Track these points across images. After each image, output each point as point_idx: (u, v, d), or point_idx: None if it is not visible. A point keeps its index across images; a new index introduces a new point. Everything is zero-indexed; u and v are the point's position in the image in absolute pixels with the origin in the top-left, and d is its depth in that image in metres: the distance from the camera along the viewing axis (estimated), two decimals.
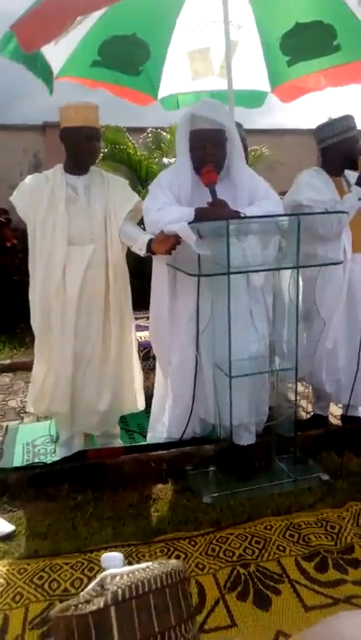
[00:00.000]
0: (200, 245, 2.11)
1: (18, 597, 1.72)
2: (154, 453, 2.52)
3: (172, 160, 5.32)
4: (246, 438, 2.48)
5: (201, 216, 2.20)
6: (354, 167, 2.73)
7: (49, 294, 2.45)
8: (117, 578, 0.85)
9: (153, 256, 2.38)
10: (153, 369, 2.92)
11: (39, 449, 2.89)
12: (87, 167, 2.52)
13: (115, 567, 0.93)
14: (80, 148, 2.43)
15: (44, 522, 2.14)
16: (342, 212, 2.54)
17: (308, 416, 3.05)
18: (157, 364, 2.70)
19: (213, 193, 2.26)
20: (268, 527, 2.04)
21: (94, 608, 0.82)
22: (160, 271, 2.44)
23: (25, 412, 3.32)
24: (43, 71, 2.78)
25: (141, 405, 2.73)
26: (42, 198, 2.43)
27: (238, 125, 2.66)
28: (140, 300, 2.75)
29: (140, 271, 2.95)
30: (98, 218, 2.47)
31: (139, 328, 2.88)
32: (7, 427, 3.19)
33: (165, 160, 5.76)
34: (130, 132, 6.16)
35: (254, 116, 3.63)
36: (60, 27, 2.11)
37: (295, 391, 2.50)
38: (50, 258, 2.43)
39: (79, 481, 2.37)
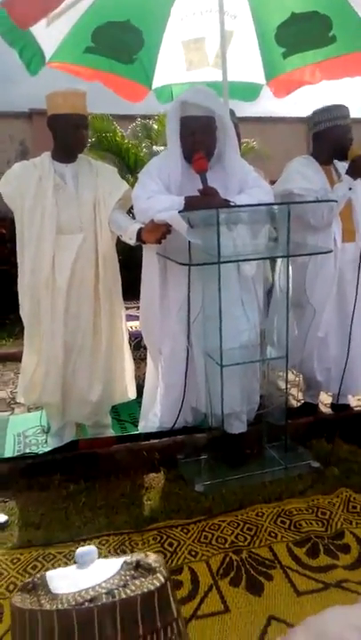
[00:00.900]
0: (191, 234, 2.10)
1: (12, 587, 1.73)
2: (146, 443, 2.52)
3: (161, 148, 5.28)
4: (237, 427, 2.49)
5: (191, 205, 2.19)
6: (344, 157, 2.73)
7: (38, 284, 2.43)
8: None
9: (143, 245, 2.37)
10: (144, 359, 2.92)
11: (30, 439, 2.89)
12: (75, 155, 2.49)
13: (91, 562, 0.92)
14: (68, 135, 2.40)
15: (36, 512, 2.14)
16: (333, 201, 2.55)
17: (299, 404, 3.07)
18: (148, 354, 2.69)
19: (204, 180, 2.24)
20: (260, 514, 2.06)
21: (61, 607, 0.81)
22: (150, 260, 2.43)
23: (15, 403, 3.31)
24: (28, 50, 2.71)
25: (133, 395, 2.73)
26: (29, 186, 2.39)
27: (231, 113, 2.64)
28: (131, 290, 2.74)
29: (129, 261, 2.94)
30: (87, 206, 2.44)
31: (129, 318, 2.88)
32: None
33: (155, 148, 5.71)
34: (118, 120, 6.10)
35: (244, 103, 3.58)
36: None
37: (286, 380, 2.52)
38: (38, 247, 2.41)
39: (71, 471, 2.37)
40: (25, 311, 2.51)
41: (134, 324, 3.08)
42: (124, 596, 0.81)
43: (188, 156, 2.33)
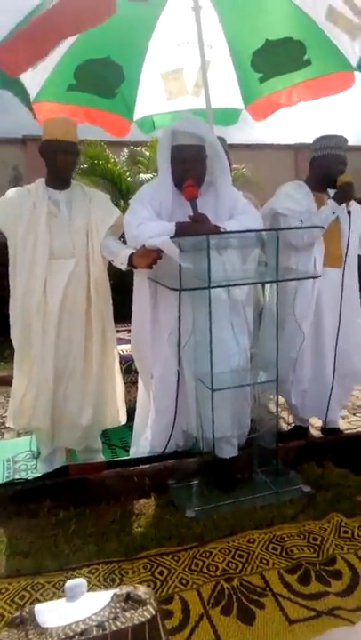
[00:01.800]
0: (183, 258, 2.14)
1: None
2: (136, 468, 2.50)
3: (149, 176, 5.37)
4: (228, 451, 2.49)
5: (182, 231, 2.23)
6: (333, 185, 2.79)
7: (30, 308, 2.44)
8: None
9: (134, 270, 2.40)
10: (135, 383, 2.91)
11: (20, 465, 2.86)
12: (66, 180, 2.54)
13: (80, 595, 0.91)
14: (56, 160, 2.45)
15: (25, 539, 2.11)
16: (317, 227, 2.60)
17: (289, 427, 3.08)
18: (139, 378, 2.70)
19: (194, 207, 2.29)
20: (251, 540, 2.05)
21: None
22: (141, 285, 2.45)
23: (5, 428, 3.28)
24: (22, 94, 2.81)
25: (123, 419, 2.72)
26: (23, 212, 2.43)
27: (221, 140, 2.70)
28: (122, 314, 2.75)
29: (121, 285, 2.96)
30: (79, 232, 2.48)
31: (120, 341, 2.89)
32: None
33: (142, 176, 5.80)
34: (110, 147, 6.21)
35: (232, 130, 3.68)
36: (46, 49, 2.13)
37: (276, 403, 2.53)
38: (31, 272, 2.43)
39: (61, 497, 2.34)
40: (16, 334, 2.51)
41: (125, 348, 3.09)
42: (114, 628, 0.81)
43: (178, 184, 2.38)
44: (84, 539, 2.10)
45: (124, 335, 3.18)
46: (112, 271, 2.61)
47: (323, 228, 2.63)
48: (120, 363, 2.76)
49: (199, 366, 2.31)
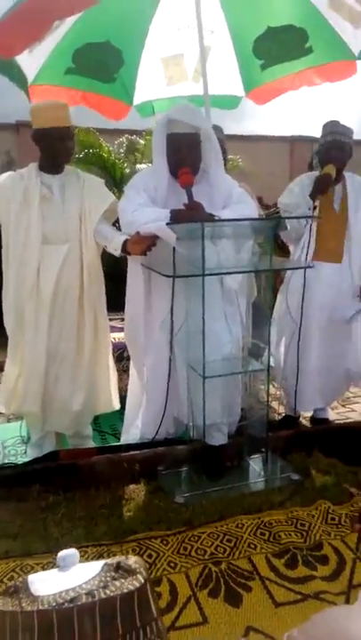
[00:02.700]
0: (178, 245, 2.14)
1: None
2: (126, 454, 2.51)
3: (144, 166, 5.35)
4: (218, 438, 2.50)
5: (176, 218, 2.23)
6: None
7: (22, 293, 2.43)
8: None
9: (128, 257, 2.39)
10: (127, 370, 2.92)
11: (10, 450, 2.86)
12: (62, 166, 2.52)
13: (72, 565, 0.93)
14: (53, 148, 2.43)
15: (14, 522, 2.11)
16: (302, 218, 2.62)
17: (280, 417, 3.11)
18: (131, 365, 2.70)
19: (190, 195, 2.28)
20: (240, 525, 2.07)
21: (41, 608, 0.82)
22: (135, 272, 2.45)
23: None
24: (19, 79, 2.78)
25: (116, 405, 2.73)
26: (16, 197, 2.41)
27: (217, 128, 2.70)
28: (115, 302, 2.75)
29: (114, 273, 2.95)
30: (73, 217, 2.46)
31: (113, 329, 2.89)
32: None
33: (138, 166, 5.78)
34: (105, 135, 6.16)
35: (228, 122, 3.66)
36: (40, 31, 2.11)
37: (267, 392, 2.55)
38: (23, 256, 2.42)
39: (51, 481, 2.35)
40: (8, 320, 2.50)
41: (118, 336, 3.09)
42: (103, 596, 0.82)
43: (174, 171, 2.37)
44: (74, 522, 2.11)
45: (116, 324, 3.17)
46: (105, 258, 2.60)
47: (315, 217, 2.63)
48: (113, 350, 2.76)
49: (191, 354, 2.32)
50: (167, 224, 2.15)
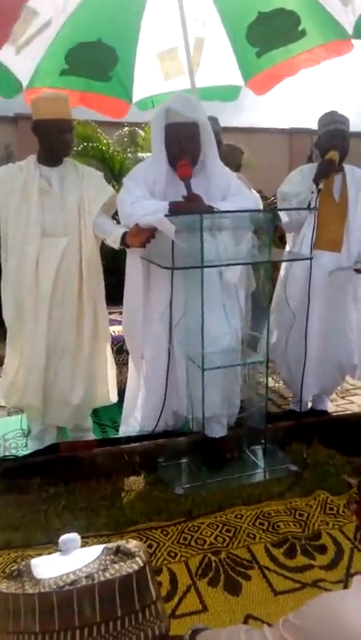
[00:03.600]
0: (177, 237, 2.14)
1: None
2: (126, 446, 2.53)
3: (147, 155, 5.33)
4: (218, 430, 2.52)
5: (175, 210, 2.23)
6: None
7: (22, 286, 2.44)
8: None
9: (127, 249, 2.39)
10: (126, 363, 2.93)
11: (10, 443, 2.87)
12: (61, 159, 2.51)
13: (73, 549, 0.95)
14: (53, 140, 2.43)
15: (15, 514, 2.13)
16: (302, 210, 2.61)
17: (279, 410, 3.12)
18: (130, 358, 2.71)
19: (188, 187, 2.28)
20: (239, 516, 2.09)
21: (42, 590, 0.84)
22: (134, 264, 2.45)
23: None
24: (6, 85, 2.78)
25: (114, 398, 2.74)
26: (15, 189, 2.41)
27: (213, 119, 2.69)
28: (114, 295, 2.76)
29: (113, 266, 2.96)
30: (72, 210, 2.46)
31: (112, 322, 2.89)
32: None
33: (140, 155, 5.76)
34: (105, 127, 6.14)
35: (227, 113, 3.65)
36: (10, 19, 2.09)
37: (266, 384, 2.56)
38: (22, 249, 2.42)
39: (51, 473, 2.36)
40: (7, 313, 2.51)
41: (117, 329, 3.10)
42: (102, 578, 0.84)
43: (172, 163, 2.37)
44: (75, 513, 2.13)
45: (116, 317, 3.18)
46: (104, 252, 2.60)
47: (313, 209, 2.63)
48: (112, 343, 2.77)
49: (190, 346, 2.32)
50: (166, 216, 2.15)
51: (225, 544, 1.93)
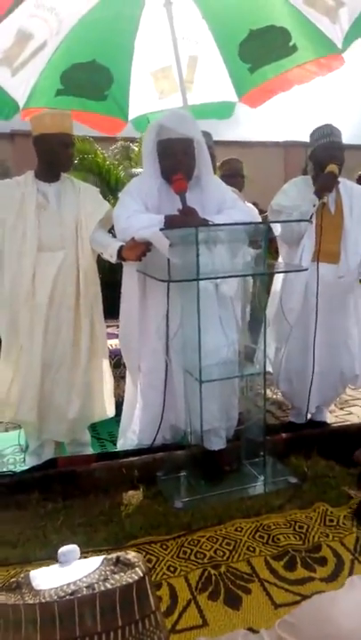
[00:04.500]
0: (171, 251, 2.15)
1: None
2: (125, 460, 2.52)
3: (139, 170, 5.39)
4: (216, 443, 2.51)
5: (171, 223, 2.25)
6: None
7: (18, 300, 2.44)
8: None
9: (123, 263, 2.41)
10: (124, 377, 2.92)
11: (8, 458, 2.86)
12: (59, 174, 2.54)
13: (73, 560, 0.95)
14: (56, 154, 2.45)
15: (13, 530, 2.11)
16: (301, 221, 2.63)
17: (278, 422, 3.12)
18: (127, 371, 2.71)
19: (184, 200, 2.30)
20: (239, 529, 2.08)
21: (43, 600, 0.84)
22: (130, 277, 2.46)
23: None
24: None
25: (111, 412, 2.73)
26: (12, 204, 2.43)
27: (206, 134, 2.73)
28: (111, 309, 2.76)
29: (110, 280, 2.97)
30: (69, 225, 2.48)
31: (109, 336, 2.90)
32: None
33: (133, 170, 5.83)
34: (100, 142, 6.21)
35: (222, 127, 3.70)
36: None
37: (264, 396, 2.56)
38: (19, 263, 2.43)
39: (49, 489, 2.35)
40: (3, 327, 2.51)
41: (114, 343, 3.10)
42: (103, 589, 0.84)
43: (167, 178, 2.40)
44: (73, 529, 2.12)
45: (113, 330, 3.19)
46: (102, 266, 2.62)
47: (310, 221, 2.65)
48: (109, 357, 2.77)
49: (187, 358, 2.33)
50: (161, 229, 2.16)
51: (225, 557, 1.92)
